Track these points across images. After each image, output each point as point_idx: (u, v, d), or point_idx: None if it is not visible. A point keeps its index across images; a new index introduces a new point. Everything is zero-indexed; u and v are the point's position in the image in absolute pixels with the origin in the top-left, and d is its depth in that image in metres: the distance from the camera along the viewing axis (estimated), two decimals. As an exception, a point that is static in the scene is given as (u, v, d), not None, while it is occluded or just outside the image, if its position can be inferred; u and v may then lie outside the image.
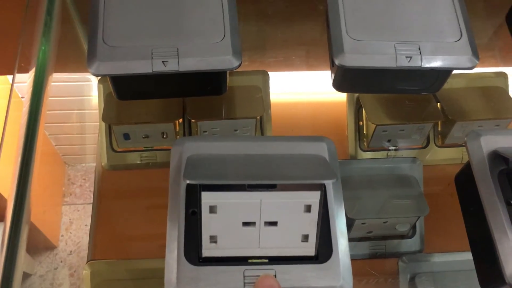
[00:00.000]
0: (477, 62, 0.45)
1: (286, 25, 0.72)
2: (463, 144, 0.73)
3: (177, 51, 0.43)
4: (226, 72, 0.46)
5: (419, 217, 0.63)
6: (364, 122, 0.71)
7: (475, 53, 0.45)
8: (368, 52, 0.44)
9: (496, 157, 0.39)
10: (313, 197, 0.33)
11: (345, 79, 0.48)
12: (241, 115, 0.68)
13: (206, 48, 0.43)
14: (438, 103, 0.71)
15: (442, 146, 0.73)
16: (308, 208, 0.33)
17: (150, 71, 0.42)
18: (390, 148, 0.73)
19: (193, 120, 0.68)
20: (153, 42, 0.43)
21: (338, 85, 0.49)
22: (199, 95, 0.49)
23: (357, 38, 0.45)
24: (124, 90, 0.47)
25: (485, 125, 0.70)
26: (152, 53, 0.42)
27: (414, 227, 0.66)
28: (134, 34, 0.43)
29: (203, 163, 0.35)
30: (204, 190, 0.32)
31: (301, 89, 0.76)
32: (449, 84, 0.74)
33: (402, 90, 0.49)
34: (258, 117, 0.70)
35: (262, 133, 0.71)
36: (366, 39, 0.45)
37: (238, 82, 0.72)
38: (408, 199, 0.64)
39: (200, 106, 0.68)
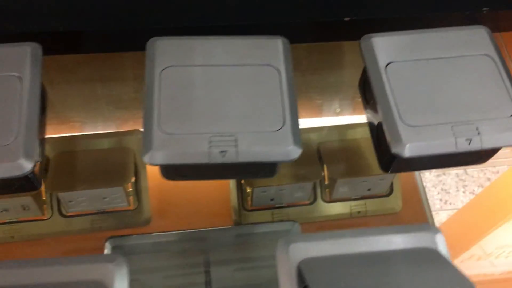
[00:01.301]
0: (300, 151, 0.41)
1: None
2: (352, 198, 0.71)
3: None
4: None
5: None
6: (244, 182, 0.68)
7: (298, 142, 0.41)
8: (180, 147, 0.40)
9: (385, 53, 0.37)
10: None
11: (168, 170, 0.44)
12: (108, 184, 0.63)
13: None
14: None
15: (330, 201, 0.70)
16: None
17: None
18: (276, 205, 0.69)
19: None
20: None
21: (165, 174, 0.45)
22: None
23: (170, 131, 0.41)
24: None
25: (369, 180, 0.67)
26: None
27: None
28: None
29: None
30: None
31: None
32: (331, 136, 0.71)
33: (236, 176, 0.45)
34: (129, 184, 0.65)
35: (138, 200, 0.67)
36: (179, 133, 0.41)
37: (109, 144, 0.67)
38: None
39: (63, 175, 0.64)
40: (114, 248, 0.60)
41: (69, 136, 0.69)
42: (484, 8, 0.49)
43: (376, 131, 0.47)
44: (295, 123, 0.42)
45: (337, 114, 0.76)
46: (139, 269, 0.59)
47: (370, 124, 0.49)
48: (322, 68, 0.64)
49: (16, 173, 0.38)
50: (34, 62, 0.43)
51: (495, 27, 0.46)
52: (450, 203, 1.44)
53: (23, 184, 0.42)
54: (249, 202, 0.68)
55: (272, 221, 0.66)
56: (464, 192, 1.46)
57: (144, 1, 0.48)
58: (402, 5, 0.48)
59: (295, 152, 0.41)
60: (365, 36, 0.46)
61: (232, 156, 0.40)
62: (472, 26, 0.47)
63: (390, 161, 0.45)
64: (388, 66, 0.44)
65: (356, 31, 0.48)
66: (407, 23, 0.49)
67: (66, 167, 0.64)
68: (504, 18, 0.48)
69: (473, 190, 1.47)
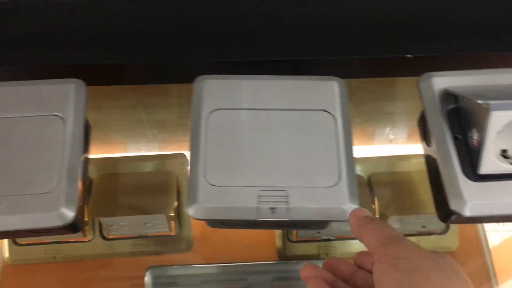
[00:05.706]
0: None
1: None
2: (404, 234, 0.66)
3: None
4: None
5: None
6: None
7: (354, 200, 0.38)
8: (227, 201, 0.38)
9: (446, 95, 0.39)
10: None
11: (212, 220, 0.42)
12: (150, 210, 0.62)
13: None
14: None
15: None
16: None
17: None
18: (323, 238, 0.66)
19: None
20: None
21: (209, 222, 0.42)
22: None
23: (216, 183, 0.39)
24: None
25: (424, 218, 0.63)
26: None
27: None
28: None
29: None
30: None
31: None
32: (383, 167, 0.67)
33: (284, 228, 0.42)
34: (171, 210, 0.63)
35: (180, 226, 0.65)
36: (226, 185, 0.38)
37: (152, 167, 0.66)
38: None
39: (106, 199, 0.63)
40: (154, 279, 0.59)
41: (112, 157, 0.67)
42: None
43: (435, 179, 0.43)
44: (352, 178, 0.38)
45: (390, 141, 0.72)
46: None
47: (428, 167, 0.44)
48: (374, 98, 0.60)
49: (58, 223, 0.37)
50: (78, 101, 0.41)
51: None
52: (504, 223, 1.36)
53: (64, 229, 0.41)
54: (294, 233, 0.65)
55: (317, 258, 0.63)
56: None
57: (191, 34, 0.45)
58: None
59: (348, 209, 0.37)
60: (425, 74, 0.42)
61: (282, 214, 0.37)
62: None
63: (449, 214, 0.41)
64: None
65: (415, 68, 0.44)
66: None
67: (108, 190, 0.63)
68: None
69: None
